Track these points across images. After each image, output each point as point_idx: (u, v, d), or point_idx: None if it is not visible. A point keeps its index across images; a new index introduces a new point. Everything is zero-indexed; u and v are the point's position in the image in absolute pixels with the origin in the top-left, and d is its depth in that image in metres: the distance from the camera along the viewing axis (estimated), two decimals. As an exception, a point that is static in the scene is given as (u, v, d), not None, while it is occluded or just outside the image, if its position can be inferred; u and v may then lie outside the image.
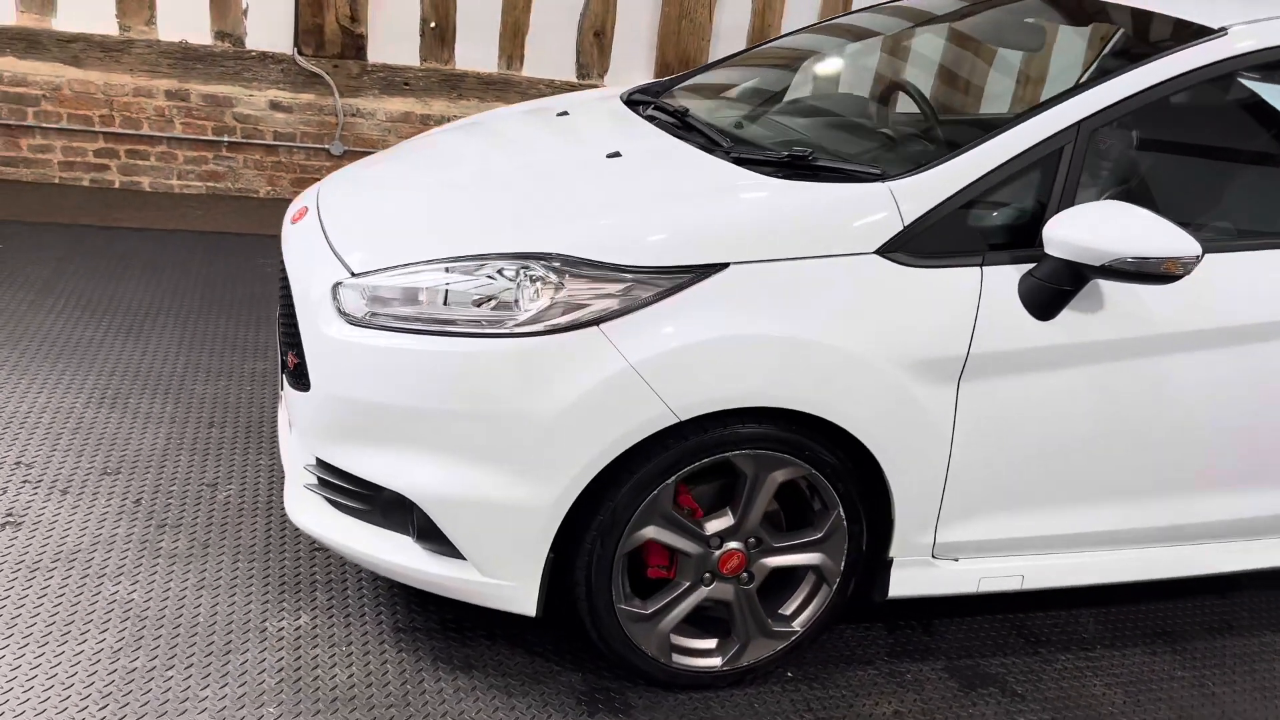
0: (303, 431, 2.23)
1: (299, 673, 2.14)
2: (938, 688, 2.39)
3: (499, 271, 2.05)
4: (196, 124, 5.29)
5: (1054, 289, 2.14)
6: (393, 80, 5.57)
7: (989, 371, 2.16)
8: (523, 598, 2.10)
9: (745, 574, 2.22)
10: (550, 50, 5.84)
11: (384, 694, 2.11)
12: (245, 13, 5.33)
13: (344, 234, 2.29)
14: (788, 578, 2.33)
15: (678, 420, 2.00)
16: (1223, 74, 2.32)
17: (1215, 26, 2.36)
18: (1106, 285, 2.20)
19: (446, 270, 2.08)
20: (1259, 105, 2.52)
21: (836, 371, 2.06)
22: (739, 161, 2.32)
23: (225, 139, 5.33)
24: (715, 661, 2.27)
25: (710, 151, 2.40)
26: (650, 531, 2.11)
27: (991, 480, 2.27)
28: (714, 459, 2.08)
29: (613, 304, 2.00)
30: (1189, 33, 2.39)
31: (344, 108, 5.47)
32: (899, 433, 2.14)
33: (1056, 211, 2.17)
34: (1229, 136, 2.61)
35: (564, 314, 2.00)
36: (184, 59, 5.26)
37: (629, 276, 2.02)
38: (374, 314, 2.08)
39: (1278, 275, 2.35)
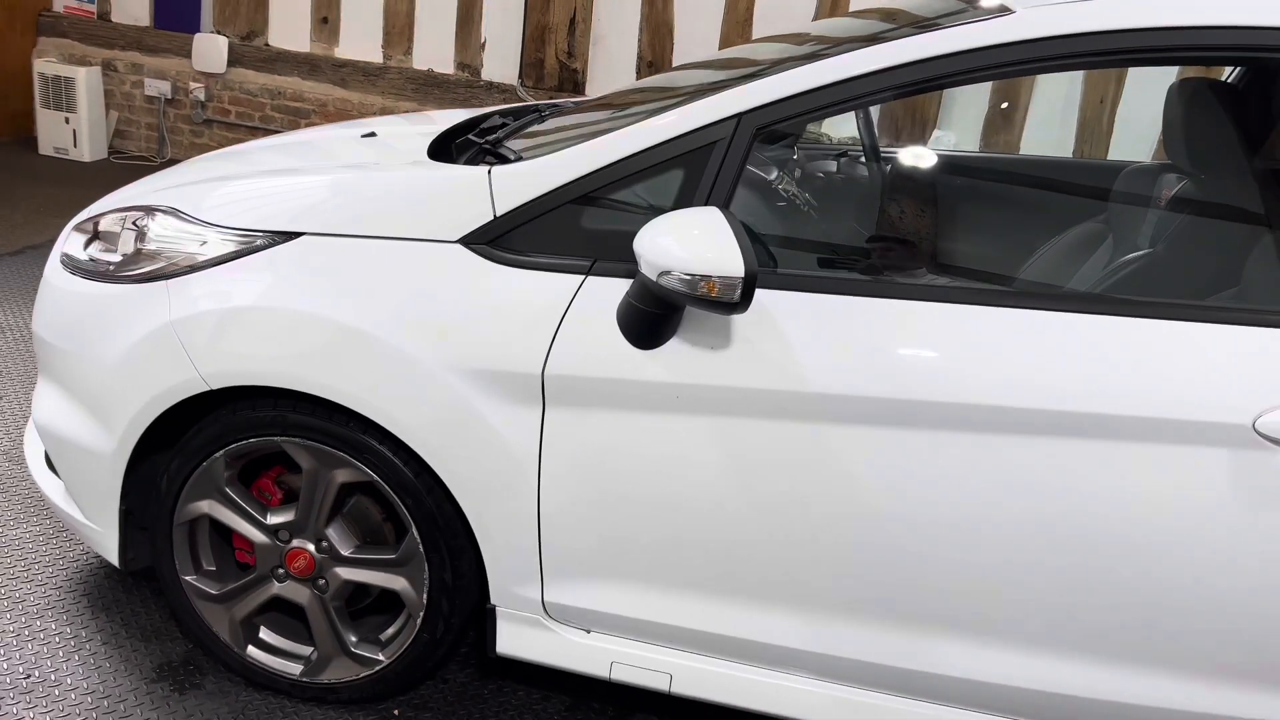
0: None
1: (-36, 573, 2.34)
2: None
3: (134, 222, 2.11)
4: (426, 142, 5.87)
5: (644, 311, 1.72)
6: (602, 114, 5.76)
7: (578, 400, 1.80)
8: (108, 545, 2.13)
9: (321, 580, 2.04)
10: (767, 93, 5.67)
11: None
12: (483, 47, 5.84)
13: (122, 190, 2.48)
14: (397, 600, 2.10)
15: (208, 388, 1.92)
16: (979, 65, 1.72)
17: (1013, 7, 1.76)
18: (741, 317, 1.73)
19: (112, 219, 2.17)
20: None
21: (379, 365, 1.83)
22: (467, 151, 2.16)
23: (447, 158, 5.85)
24: (294, 668, 2.10)
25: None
26: (205, 506, 2.03)
27: (599, 536, 1.87)
28: (263, 440, 1.96)
29: (188, 260, 1.97)
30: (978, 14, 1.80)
31: (552, 136, 5.75)
32: (468, 454, 1.85)
33: (703, 222, 1.75)
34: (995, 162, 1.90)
35: (148, 264, 2.01)
36: (425, 85, 5.89)
37: (210, 234, 1.98)
38: (69, 256, 2.23)
39: (1034, 346, 1.67)
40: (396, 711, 2.12)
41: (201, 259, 1.96)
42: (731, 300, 1.58)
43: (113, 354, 1.99)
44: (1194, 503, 1.64)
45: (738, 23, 5.49)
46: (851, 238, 2.36)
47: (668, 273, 1.60)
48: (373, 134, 2.40)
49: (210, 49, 5.96)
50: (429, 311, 1.83)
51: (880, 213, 2.42)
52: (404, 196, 1.92)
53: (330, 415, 1.91)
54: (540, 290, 1.80)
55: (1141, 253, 2.40)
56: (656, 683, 1.96)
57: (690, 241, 1.59)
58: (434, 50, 5.91)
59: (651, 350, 1.75)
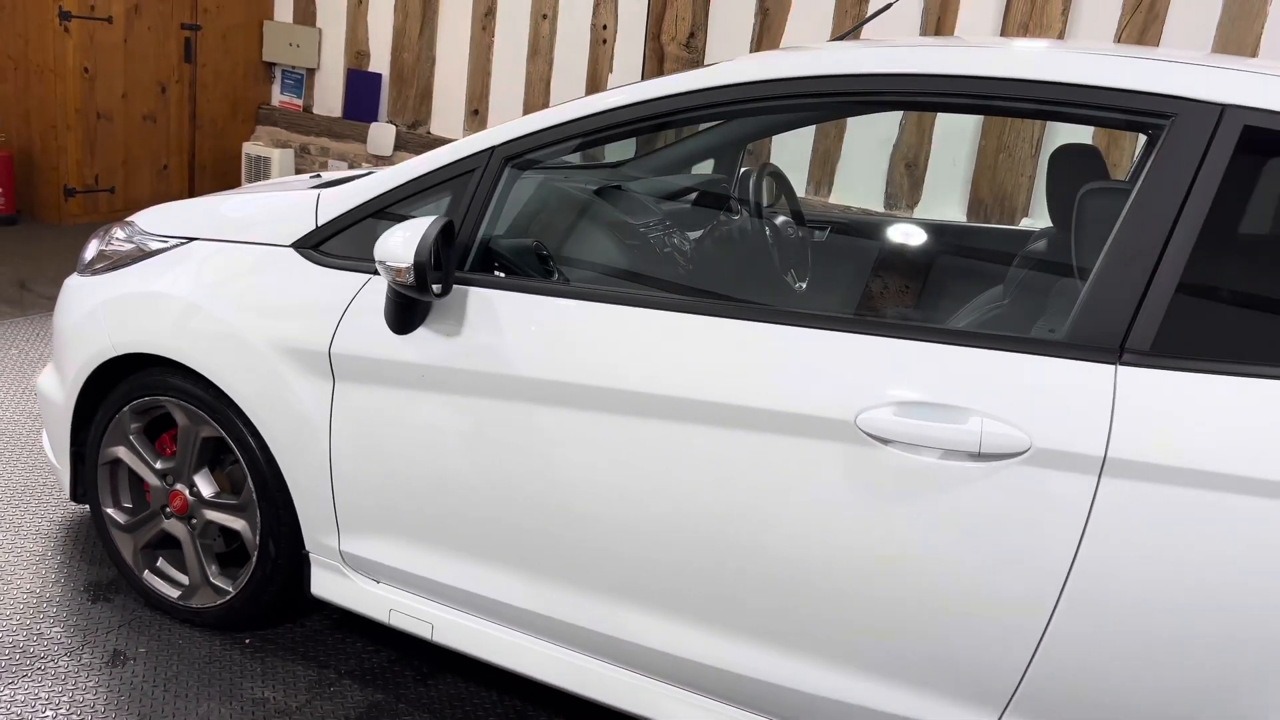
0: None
1: (-8, 502, 3.01)
2: None
3: (107, 231, 2.73)
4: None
5: (394, 301, 2.10)
6: (703, 196, 6.17)
7: (356, 376, 2.19)
8: (65, 481, 2.71)
9: (194, 519, 2.51)
10: (860, 178, 5.89)
11: None
12: (605, 134, 6.42)
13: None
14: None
15: (116, 354, 2.46)
16: (678, 108, 2.01)
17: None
18: (471, 305, 2.08)
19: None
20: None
21: (222, 341, 2.31)
22: None
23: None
24: (173, 592, 2.57)
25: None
26: (120, 452, 2.56)
27: (376, 496, 2.23)
28: (152, 400, 2.47)
29: (123, 258, 2.56)
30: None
31: (656, 216, 6.21)
32: (281, 418, 2.28)
33: (463, 235, 2.13)
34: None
35: (102, 262, 2.61)
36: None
37: (142, 239, 2.55)
38: (82, 259, 2.88)
39: (685, 344, 1.91)
40: (248, 641, 2.54)
41: (130, 258, 2.53)
42: (410, 283, 1.94)
43: (70, 328, 2.59)
44: (810, 490, 1.80)
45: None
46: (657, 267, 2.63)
47: (383, 263, 1.99)
48: (318, 175, 2.94)
49: (382, 136, 6.91)
50: (261, 299, 2.30)
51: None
52: (262, 211, 2.41)
53: (196, 380, 2.41)
54: (336, 284, 2.23)
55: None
56: (421, 630, 2.28)
57: (398, 240, 1.97)
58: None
59: (405, 335, 2.12)
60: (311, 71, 7.28)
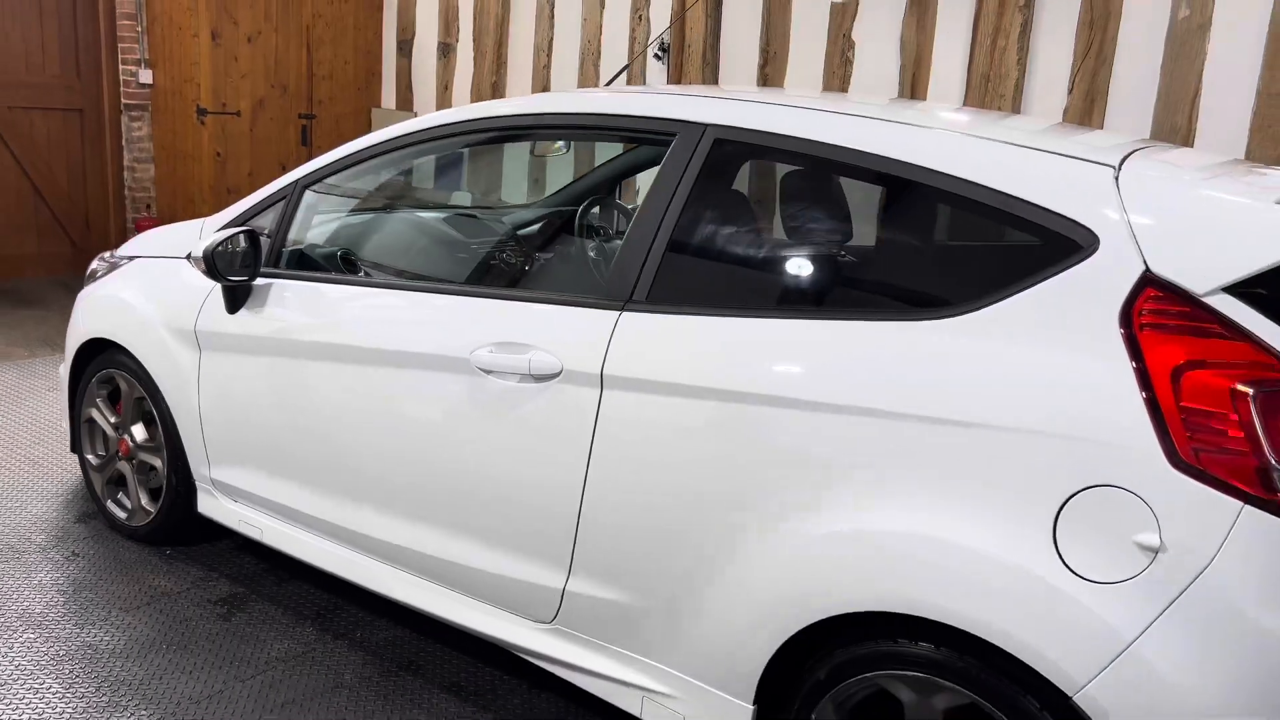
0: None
1: None
2: (202, 627, 3.16)
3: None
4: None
5: (223, 288, 2.97)
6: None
7: (211, 346, 3.07)
8: (69, 434, 3.72)
9: (135, 459, 3.43)
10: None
11: None
12: (637, 193, 7.23)
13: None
14: (176, 480, 3.41)
15: (86, 339, 3.45)
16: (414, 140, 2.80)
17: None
18: (272, 291, 2.91)
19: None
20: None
21: (139, 324, 3.26)
22: None
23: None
24: (122, 515, 3.50)
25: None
26: (92, 412, 3.54)
27: (227, 435, 3.08)
28: (108, 372, 3.44)
29: (104, 271, 3.57)
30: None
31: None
32: (170, 378, 3.19)
33: (276, 242, 2.99)
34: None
35: (93, 278, 3.63)
36: (594, 223, 7.39)
37: (114, 259, 3.56)
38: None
39: (389, 311, 2.67)
40: (168, 551, 3.42)
41: (107, 271, 3.54)
42: (204, 270, 2.80)
43: (70, 324, 3.62)
44: (451, 411, 2.50)
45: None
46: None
47: (195, 258, 2.86)
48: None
49: (462, 201, 7.99)
50: (162, 294, 3.23)
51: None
52: (177, 233, 3.36)
53: (129, 356, 3.35)
54: (202, 281, 3.11)
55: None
56: (255, 534, 3.09)
57: (204, 243, 2.84)
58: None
59: (233, 314, 2.98)
60: (410, 149, 8.48)
